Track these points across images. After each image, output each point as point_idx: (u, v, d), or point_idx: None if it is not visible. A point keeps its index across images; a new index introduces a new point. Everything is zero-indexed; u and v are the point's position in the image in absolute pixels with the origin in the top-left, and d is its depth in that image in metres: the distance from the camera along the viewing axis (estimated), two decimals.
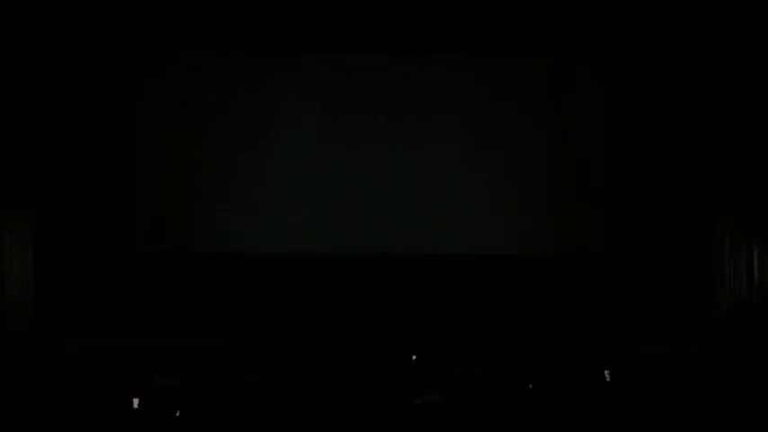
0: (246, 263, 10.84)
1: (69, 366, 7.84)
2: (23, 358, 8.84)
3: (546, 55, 10.90)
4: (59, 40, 10.22)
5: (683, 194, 10.40)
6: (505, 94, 10.98)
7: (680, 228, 10.42)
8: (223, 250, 10.85)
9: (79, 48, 10.41)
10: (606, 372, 7.17)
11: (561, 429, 5.73)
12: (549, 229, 10.92)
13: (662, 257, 10.49)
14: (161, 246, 10.84)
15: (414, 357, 8.04)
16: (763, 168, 9.71)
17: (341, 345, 8.94)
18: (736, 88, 9.77)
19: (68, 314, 10.19)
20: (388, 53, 10.89)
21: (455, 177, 10.97)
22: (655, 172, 10.58)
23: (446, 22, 10.57)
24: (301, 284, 10.71)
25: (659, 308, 10.37)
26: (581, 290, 10.72)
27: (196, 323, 10.25)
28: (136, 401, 6.01)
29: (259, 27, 10.58)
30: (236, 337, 9.66)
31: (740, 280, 9.75)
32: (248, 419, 5.81)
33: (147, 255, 10.78)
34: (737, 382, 6.98)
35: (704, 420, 5.73)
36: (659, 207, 10.56)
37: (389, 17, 10.50)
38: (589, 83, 10.96)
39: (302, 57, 10.89)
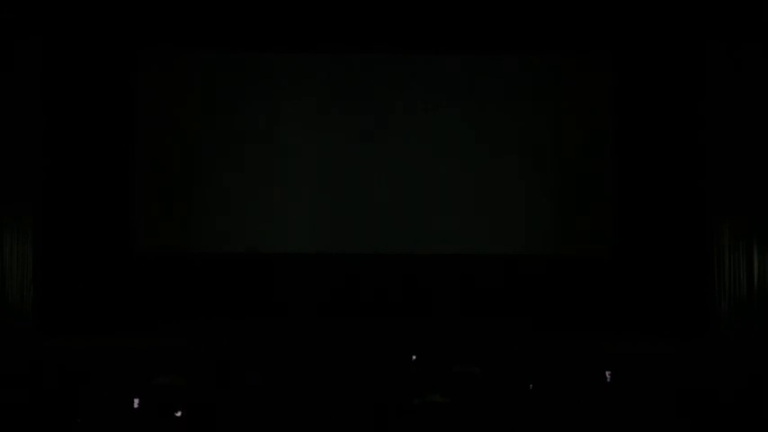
0: (246, 263, 10.83)
1: (69, 366, 7.83)
2: (23, 358, 8.83)
3: (546, 55, 10.91)
4: (59, 41, 10.22)
5: (683, 195, 10.40)
6: (505, 94, 10.98)
7: (680, 228, 10.42)
8: (223, 250, 10.85)
9: (79, 49, 10.41)
10: (606, 372, 7.17)
11: (561, 430, 5.73)
12: (549, 229, 10.92)
13: (662, 258, 10.49)
14: (161, 246, 10.84)
15: (414, 357, 8.04)
16: (763, 168, 9.72)
17: (341, 345, 8.94)
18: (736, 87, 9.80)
19: (68, 314, 10.20)
20: (388, 53, 10.90)
21: (455, 177, 10.96)
22: (655, 172, 10.59)
23: (446, 23, 10.57)
24: (301, 284, 10.71)
25: (659, 308, 10.38)
26: (581, 290, 10.72)
27: (196, 323, 10.24)
28: (136, 401, 6.01)
29: (260, 27, 10.59)
30: (236, 337, 9.66)
31: (740, 280, 9.76)
32: (248, 419, 5.81)
33: (147, 255, 10.78)
34: (738, 382, 6.98)
35: (705, 420, 5.73)
36: (659, 207, 10.57)
37: (390, 17, 10.50)
38: (589, 83, 10.97)
39: (302, 57, 10.89)
